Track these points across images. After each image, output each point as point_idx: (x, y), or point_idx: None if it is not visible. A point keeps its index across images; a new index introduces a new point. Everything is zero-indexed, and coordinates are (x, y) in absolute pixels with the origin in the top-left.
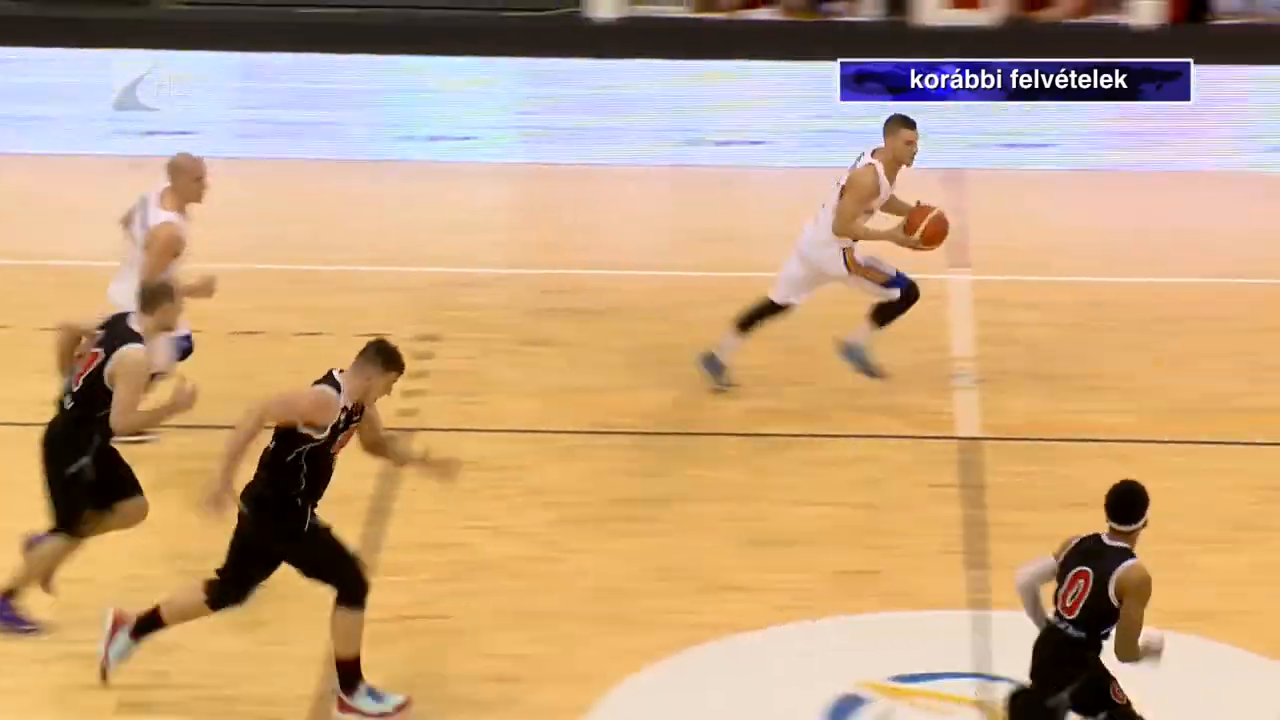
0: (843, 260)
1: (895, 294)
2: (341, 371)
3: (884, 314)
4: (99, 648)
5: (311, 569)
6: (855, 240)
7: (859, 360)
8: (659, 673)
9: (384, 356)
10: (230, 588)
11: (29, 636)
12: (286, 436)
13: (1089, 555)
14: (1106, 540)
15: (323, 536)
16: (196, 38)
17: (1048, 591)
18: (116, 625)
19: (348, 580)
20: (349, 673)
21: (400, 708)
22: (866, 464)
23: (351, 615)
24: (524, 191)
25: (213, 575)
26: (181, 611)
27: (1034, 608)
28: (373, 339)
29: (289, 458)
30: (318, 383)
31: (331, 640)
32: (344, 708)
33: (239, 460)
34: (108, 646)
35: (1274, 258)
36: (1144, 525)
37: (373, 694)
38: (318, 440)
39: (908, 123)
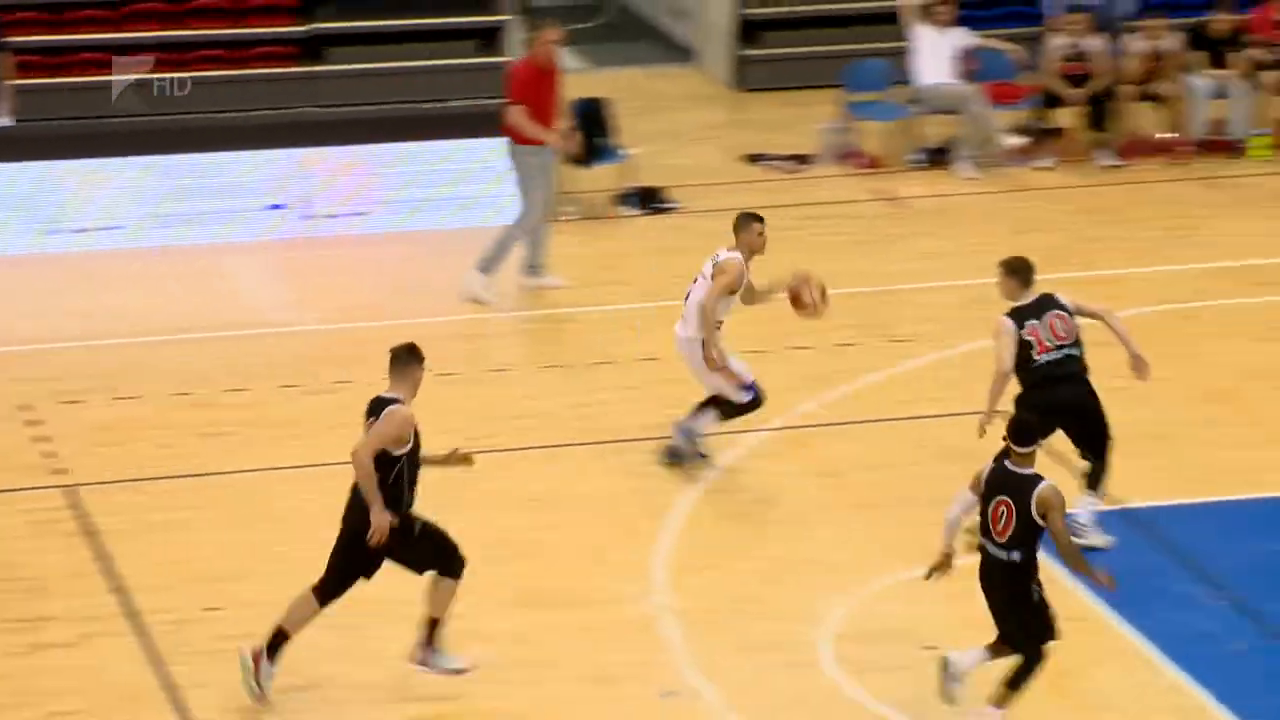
0: (702, 356)
1: (746, 397)
2: (389, 390)
3: (728, 411)
4: (250, 685)
5: (419, 560)
6: (715, 327)
7: (691, 443)
8: None
9: (415, 354)
10: (334, 587)
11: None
12: (380, 463)
13: (1004, 486)
14: (1012, 467)
15: (426, 530)
16: None
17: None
18: (256, 659)
19: (451, 559)
20: (433, 631)
21: (460, 670)
22: None
23: (449, 585)
24: None
25: (316, 582)
26: (301, 619)
27: (950, 535)
28: (394, 347)
29: (390, 479)
30: (377, 409)
31: (428, 604)
32: (422, 660)
33: (381, 497)
34: (259, 680)
35: None
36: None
37: (442, 653)
38: (406, 451)
39: (758, 217)
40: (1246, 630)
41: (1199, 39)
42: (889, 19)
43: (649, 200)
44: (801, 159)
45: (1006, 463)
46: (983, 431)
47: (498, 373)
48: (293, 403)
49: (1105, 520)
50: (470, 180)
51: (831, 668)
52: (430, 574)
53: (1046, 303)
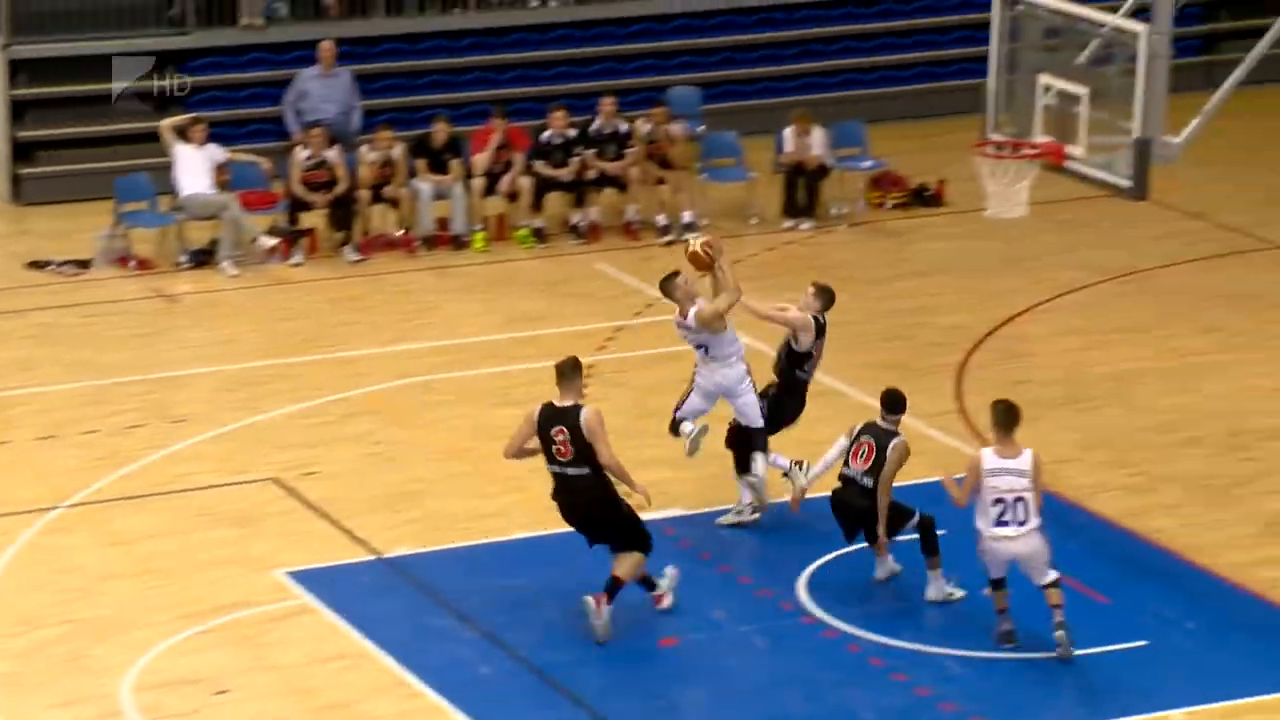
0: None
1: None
2: (561, 400)
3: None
4: (595, 624)
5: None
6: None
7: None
8: None
9: (579, 367)
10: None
11: None
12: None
13: (872, 432)
14: (881, 424)
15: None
16: None
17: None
18: (599, 602)
19: (644, 538)
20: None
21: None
22: None
23: (639, 558)
24: None
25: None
26: (633, 567)
27: (828, 465)
28: (559, 363)
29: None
30: (563, 416)
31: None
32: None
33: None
34: (599, 619)
35: None
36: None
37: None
38: None
39: None
40: (494, 656)
41: (421, 148)
42: (152, 138)
43: None
44: (81, 264)
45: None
46: None
47: None
48: None
49: (370, 571)
50: None
51: (135, 717)
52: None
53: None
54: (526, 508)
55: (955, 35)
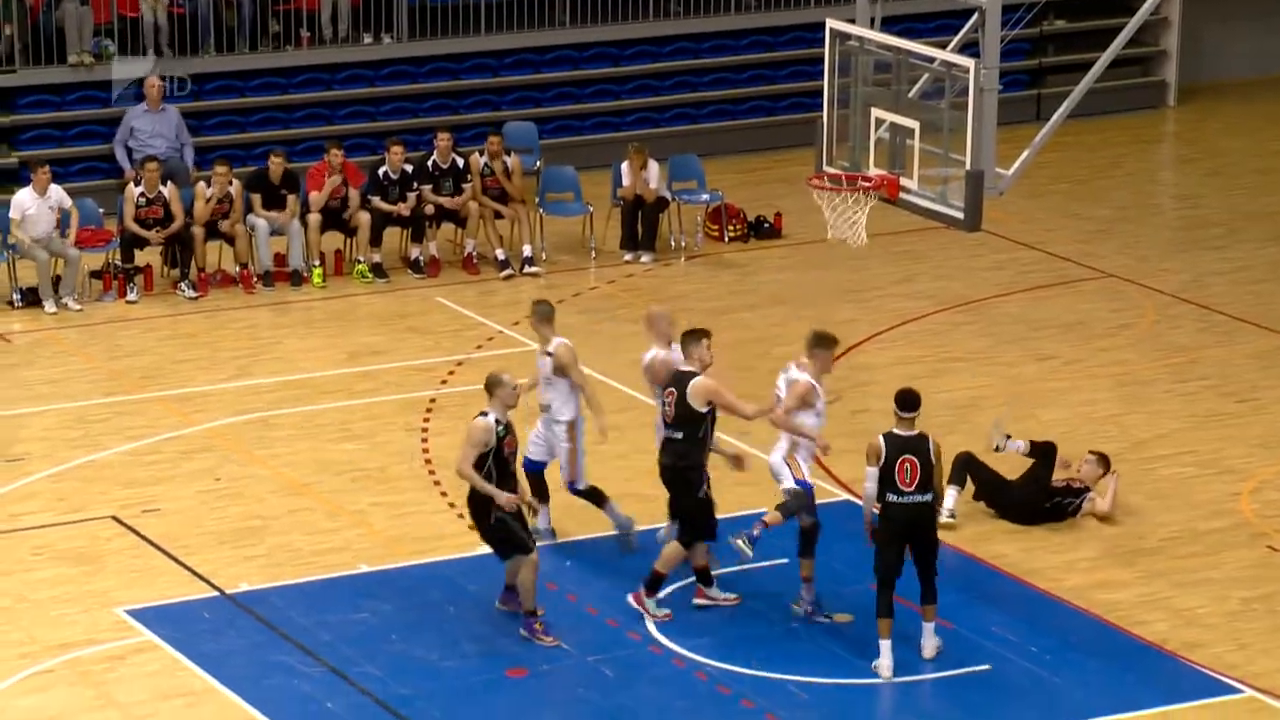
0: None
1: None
2: (685, 364)
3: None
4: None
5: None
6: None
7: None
8: None
9: (698, 332)
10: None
11: None
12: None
13: (900, 445)
14: (900, 432)
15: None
16: None
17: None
18: (639, 600)
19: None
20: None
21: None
22: None
23: (682, 550)
24: None
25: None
26: (671, 560)
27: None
28: (684, 332)
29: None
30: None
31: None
32: (640, 601)
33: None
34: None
35: None
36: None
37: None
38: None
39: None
40: (341, 690)
41: (256, 182)
42: None
43: None
44: None
45: (895, 430)
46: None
47: None
48: None
49: (212, 607)
50: None
51: None
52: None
53: None
54: (369, 540)
55: (788, 70)
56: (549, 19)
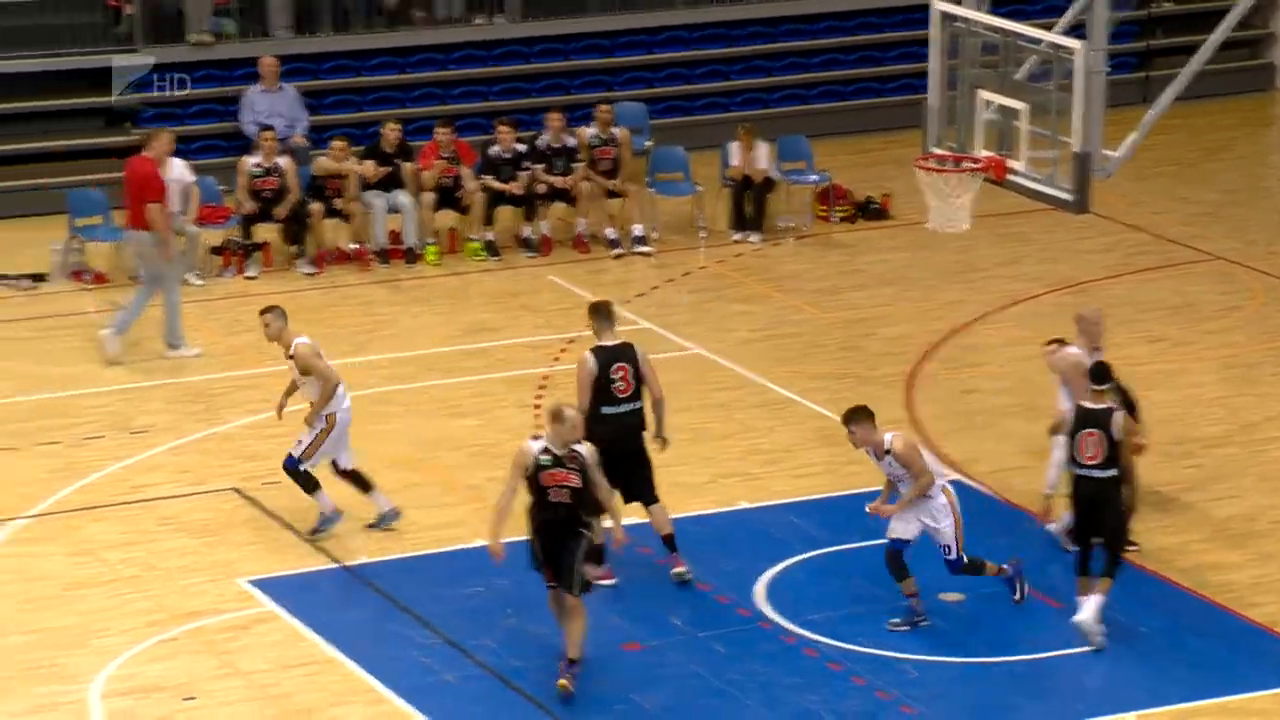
0: None
1: None
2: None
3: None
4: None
5: None
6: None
7: None
8: None
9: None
10: None
11: None
12: None
13: (1090, 421)
14: (1089, 404)
15: None
16: None
17: None
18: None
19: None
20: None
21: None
22: None
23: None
24: None
25: None
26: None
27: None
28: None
29: None
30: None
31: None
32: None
33: None
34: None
35: None
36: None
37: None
38: None
39: None
40: (457, 662)
41: (372, 151)
42: (104, 153)
43: None
44: (37, 278)
45: (1083, 403)
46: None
47: None
48: None
49: (331, 579)
50: None
51: None
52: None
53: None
54: (483, 516)
55: (896, 52)
56: (660, 1)
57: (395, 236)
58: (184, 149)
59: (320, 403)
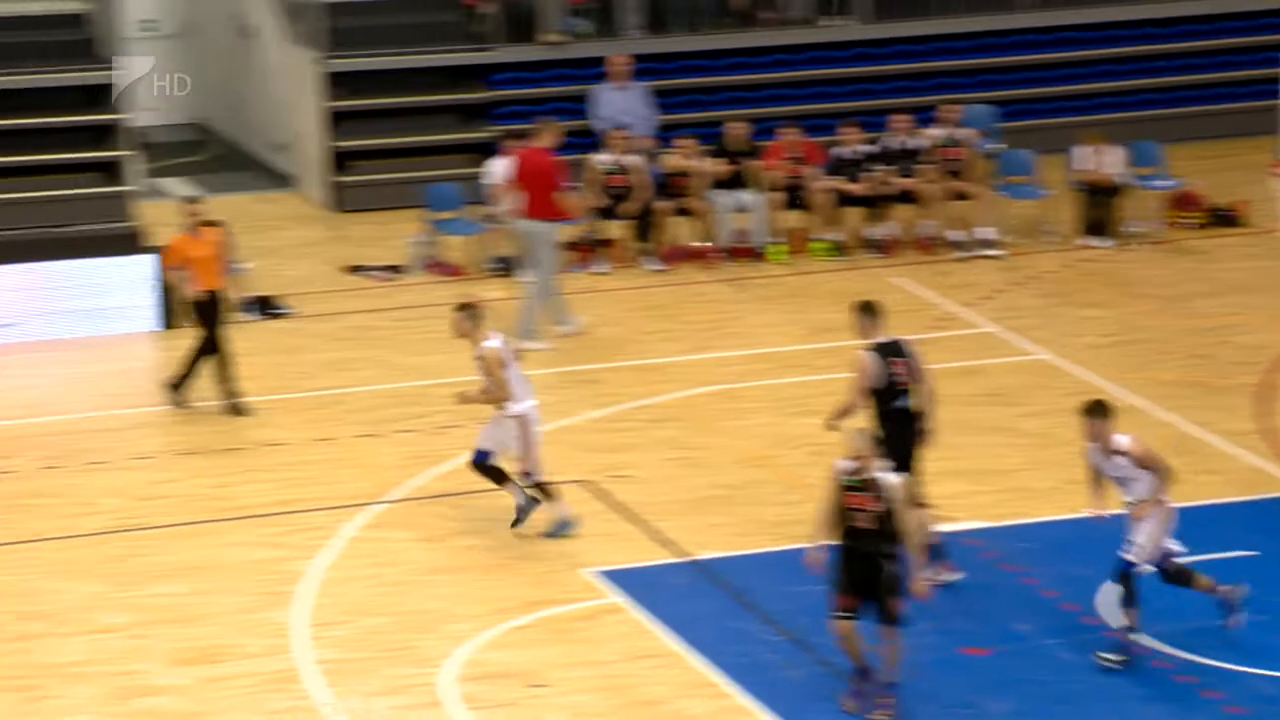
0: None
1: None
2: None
3: None
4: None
5: None
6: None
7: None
8: None
9: None
10: None
11: None
12: None
13: None
14: None
15: None
16: None
17: None
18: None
19: None
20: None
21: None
22: None
23: None
24: None
25: None
26: None
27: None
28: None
29: None
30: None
31: None
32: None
33: None
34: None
35: None
36: None
37: None
38: None
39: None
40: (802, 660)
41: (717, 148)
42: (461, 149)
43: (266, 307)
44: (395, 269)
45: None
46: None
47: (142, 460)
48: None
49: (679, 572)
50: (100, 294)
51: (457, 706)
52: None
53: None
54: None
55: (1253, 56)
56: (1012, 3)
57: (741, 235)
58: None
59: (487, 400)
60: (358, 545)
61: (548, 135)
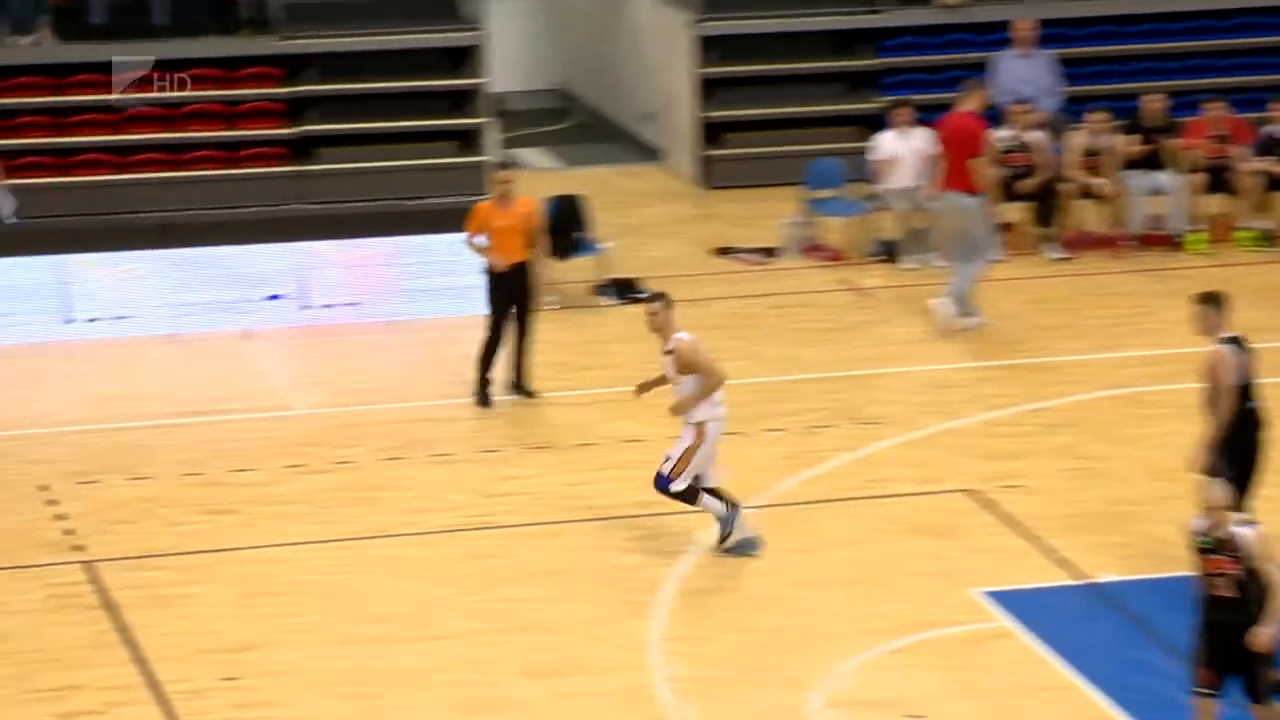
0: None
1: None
2: None
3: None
4: None
5: None
6: None
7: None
8: None
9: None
10: None
11: None
12: None
13: None
14: None
15: None
16: None
17: None
18: None
19: None
20: None
21: None
22: None
23: None
24: None
25: None
26: None
27: None
28: None
29: None
30: None
31: None
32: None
33: None
34: None
35: None
36: None
37: None
38: None
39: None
40: None
41: (1131, 125)
42: (845, 120)
43: (625, 290)
44: (768, 252)
45: None
46: None
47: (489, 453)
48: (295, 482)
49: (1074, 595)
50: (452, 272)
51: None
52: None
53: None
54: None
55: None
56: None
57: (1156, 221)
58: (930, 119)
59: (694, 399)
60: (719, 553)
61: (974, 98)
